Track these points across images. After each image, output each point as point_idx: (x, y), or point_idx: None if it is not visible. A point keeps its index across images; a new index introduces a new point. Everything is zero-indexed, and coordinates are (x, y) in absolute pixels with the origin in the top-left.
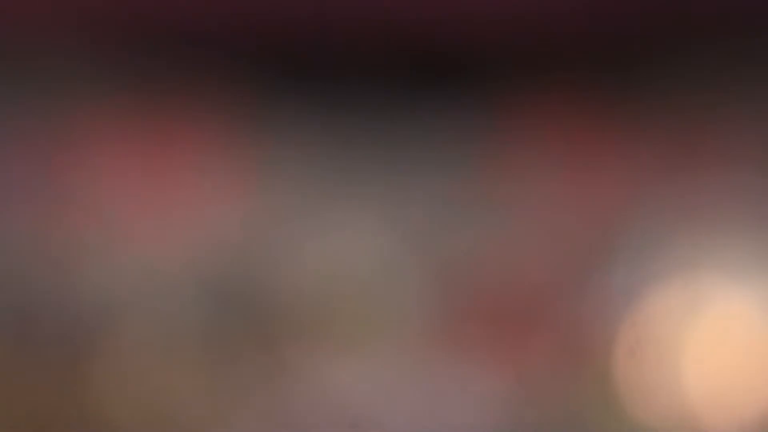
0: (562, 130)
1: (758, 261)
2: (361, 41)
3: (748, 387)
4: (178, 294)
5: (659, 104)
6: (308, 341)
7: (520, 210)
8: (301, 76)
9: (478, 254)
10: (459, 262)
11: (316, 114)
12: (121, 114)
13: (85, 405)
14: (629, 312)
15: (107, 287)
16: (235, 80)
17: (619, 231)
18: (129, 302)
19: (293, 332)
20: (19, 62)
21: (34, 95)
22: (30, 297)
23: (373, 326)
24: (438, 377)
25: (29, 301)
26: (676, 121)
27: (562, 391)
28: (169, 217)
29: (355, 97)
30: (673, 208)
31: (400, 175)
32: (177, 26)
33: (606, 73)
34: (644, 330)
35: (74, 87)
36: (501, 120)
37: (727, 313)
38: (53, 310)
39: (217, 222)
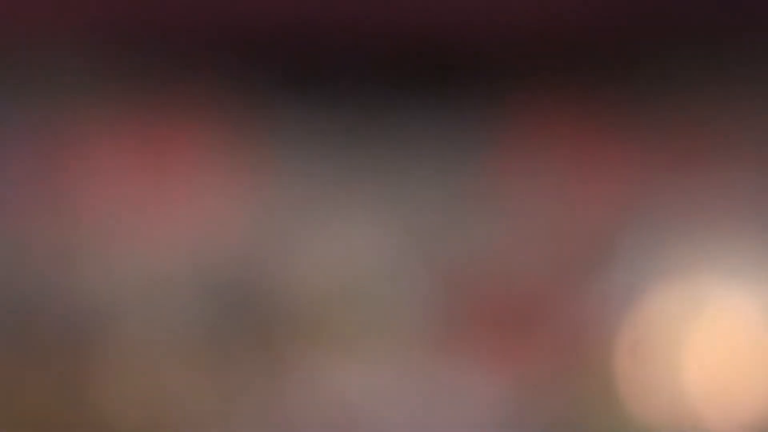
0: (564, 131)
1: (759, 261)
2: (362, 44)
3: (747, 387)
4: (177, 295)
5: (661, 104)
6: (309, 343)
7: (522, 211)
8: (303, 78)
9: (480, 255)
10: (461, 263)
11: (318, 116)
12: (121, 116)
13: (84, 405)
14: (630, 312)
15: (106, 288)
16: (237, 83)
17: (621, 231)
18: (128, 303)
19: (294, 333)
20: (18, 65)
21: (33, 98)
22: (29, 297)
23: (374, 328)
24: (438, 379)
25: (28, 302)
26: (678, 121)
27: (563, 392)
28: (169, 219)
29: (357, 99)
30: (674, 208)
31: (402, 177)
32: (178, 30)
33: (608, 74)
34: (645, 330)
35: (75, 91)
36: (503, 122)
37: (728, 313)
38: (53, 310)
39: (217, 224)
